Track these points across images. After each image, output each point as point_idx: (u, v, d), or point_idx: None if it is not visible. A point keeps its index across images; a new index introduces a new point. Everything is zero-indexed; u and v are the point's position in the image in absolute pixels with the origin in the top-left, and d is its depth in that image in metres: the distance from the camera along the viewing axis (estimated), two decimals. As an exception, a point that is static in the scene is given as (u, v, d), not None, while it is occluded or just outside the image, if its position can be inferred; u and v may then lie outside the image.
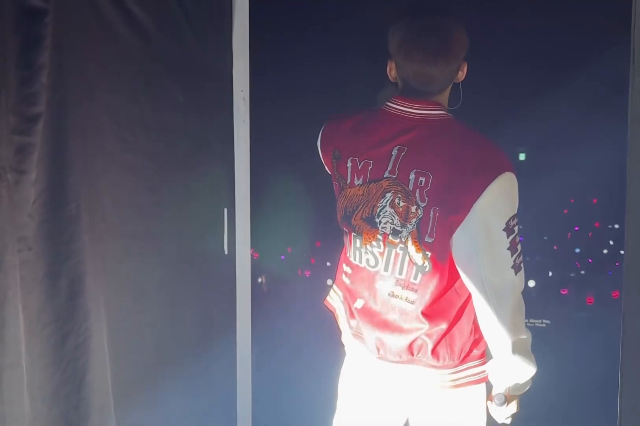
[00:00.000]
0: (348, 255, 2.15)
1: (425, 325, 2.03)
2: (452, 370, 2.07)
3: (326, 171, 2.23)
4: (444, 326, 2.03)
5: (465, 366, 2.07)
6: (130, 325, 2.55)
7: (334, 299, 2.24)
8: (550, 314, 3.37)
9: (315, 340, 3.13)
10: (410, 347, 2.05)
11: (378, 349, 2.09)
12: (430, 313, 2.02)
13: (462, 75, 2.05)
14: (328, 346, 2.65)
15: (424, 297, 2.01)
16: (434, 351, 2.03)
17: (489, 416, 2.16)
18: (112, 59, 2.42)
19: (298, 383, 3.20)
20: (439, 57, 1.95)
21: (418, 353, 2.05)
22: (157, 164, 2.56)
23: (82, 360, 2.35)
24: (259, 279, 3.31)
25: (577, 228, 3.97)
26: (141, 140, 2.50)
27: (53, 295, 2.30)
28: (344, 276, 2.19)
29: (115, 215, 2.47)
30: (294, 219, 3.20)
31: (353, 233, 2.07)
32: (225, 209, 2.77)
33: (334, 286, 2.25)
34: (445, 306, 2.02)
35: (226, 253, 2.81)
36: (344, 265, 2.19)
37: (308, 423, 3.09)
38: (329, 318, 2.31)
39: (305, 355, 3.17)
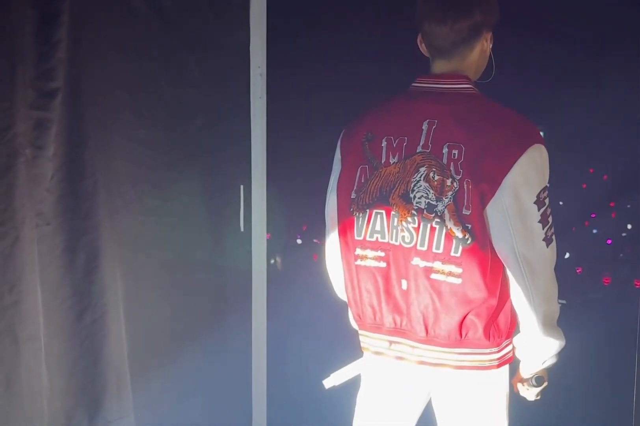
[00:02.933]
0: (372, 238, 2.08)
1: (475, 301, 1.99)
2: (497, 348, 2.04)
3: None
4: (493, 302, 2.00)
5: (505, 343, 2.06)
6: (147, 300, 2.56)
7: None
8: (566, 294, 3.35)
9: (332, 317, 3.12)
10: (459, 327, 2.02)
11: (427, 331, 2.05)
12: (480, 289, 1.99)
13: (486, 44, 2.03)
14: (344, 325, 2.64)
15: (472, 271, 1.98)
16: (485, 331, 2.01)
17: (510, 395, 2.15)
18: (129, 34, 2.42)
19: (313, 360, 3.20)
20: (446, 14, 1.96)
21: (467, 334, 2.02)
22: (173, 139, 2.56)
23: (99, 334, 2.38)
24: (272, 261, 3.31)
25: (595, 207, 3.94)
26: (158, 115, 2.51)
27: (71, 270, 2.32)
28: (374, 262, 2.09)
29: (132, 191, 2.48)
30: (310, 197, 3.18)
31: (392, 212, 2.05)
32: (242, 186, 2.77)
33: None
34: (492, 281, 1.99)
35: (242, 230, 2.81)
36: (368, 251, 2.10)
37: (322, 400, 3.09)
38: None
39: (322, 333, 3.18)
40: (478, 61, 2.05)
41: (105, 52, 2.35)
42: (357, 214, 2.09)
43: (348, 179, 2.10)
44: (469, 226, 1.96)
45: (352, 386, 2.33)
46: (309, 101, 3.02)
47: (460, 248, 1.98)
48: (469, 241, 1.97)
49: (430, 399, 2.22)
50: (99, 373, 2.39)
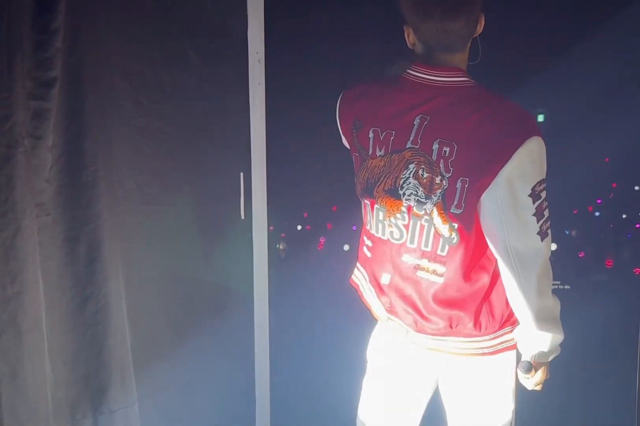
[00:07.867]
0: (368, 228, 2.11)
1: (457, 300, 2.00)
2: (492, 336, 2.05)
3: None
4: (477, 297, 2.01)
5: (503, 331, 2.06)
6: (148, 289, 2.56)
7: (358, 277, 2.21)
8: (569, 277, 3.35)
9: (334, 306, 3.11)
10: (448, 321, 2.03)
11: (416, 323, 2.07)
12: (460, 288, 2.00)
13: (480, 28, 1.95)
14: (348, 312, 2.64)
15: (455, 270, 1.98)
16: (475, 323, 2.02)
17: (518, 382, 2.15)
18: (127, 21, 2.40)
19: (316, 347, 3.20)
20: (460, 8, 1.86)
21: (457, 326, 2.03)
22: (172, 127, 2.55)
23: (101, 325, 2.38)
24: (278, 245, 3.32)
25: (596, 190, 3.94)
26: (156, 103, 2.49)
27: (72, 261, 2.31)
28: (365, 249, 2.15)
29: (132, 180, 2.48)
30: (310, 184, 3.17)
31: (376, 205, 2.04)
32: (242, 173, 2.76)
33: (357, 264, 2.21)
34: (475, 278, 2.00)
35: (243, 217, 2.81)
36: (364, 238, 2.16)
37: (327, 390, 3.10)
38: (348, 284, 2.30)
39: (324, 321, 3.18)
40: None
41: (103, 40, 2.33)
42: (361, 201, 2.11)
43: (354, 164, 2.11)
44: (456, 225, 1.94)
45: (356, 376, 2.33)
46: (309, 87, 3.00)
47: (447, 247, 1.98)
48: (454, 240, 1.96)
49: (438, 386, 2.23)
50: (103, 364, 2.39)
